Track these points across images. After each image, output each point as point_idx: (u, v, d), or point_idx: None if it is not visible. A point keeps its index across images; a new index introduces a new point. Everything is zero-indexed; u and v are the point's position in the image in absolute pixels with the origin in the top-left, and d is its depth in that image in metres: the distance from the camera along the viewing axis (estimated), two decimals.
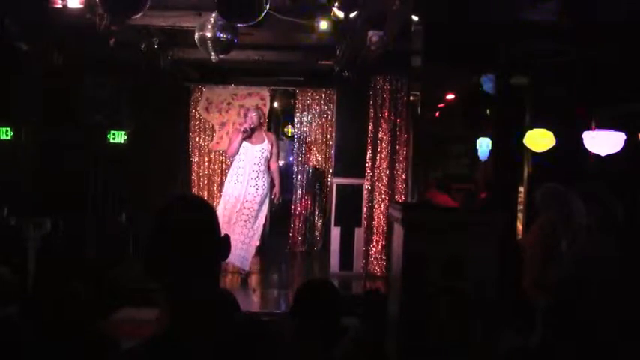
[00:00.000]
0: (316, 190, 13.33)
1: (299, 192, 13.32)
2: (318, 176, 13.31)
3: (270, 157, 10.06)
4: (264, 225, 10.53)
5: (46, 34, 9.16)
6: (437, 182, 11.65)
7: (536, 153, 10.39)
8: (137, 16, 7.08)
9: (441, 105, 12.39)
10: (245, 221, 9.84)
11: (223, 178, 12.84)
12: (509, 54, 9.11)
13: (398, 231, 4.81)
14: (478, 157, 12.63)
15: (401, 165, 11.19)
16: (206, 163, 13.09)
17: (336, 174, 12.09)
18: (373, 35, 8.34)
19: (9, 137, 10.23)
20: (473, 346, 4.40)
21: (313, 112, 13.25)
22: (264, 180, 9.91)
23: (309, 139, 13.31)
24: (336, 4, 7.10)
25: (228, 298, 2.20)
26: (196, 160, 13.08)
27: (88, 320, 3.80)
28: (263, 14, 6.84)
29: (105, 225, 11.17)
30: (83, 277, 4.53)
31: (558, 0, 6.90)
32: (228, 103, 12.88)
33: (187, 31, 8.82)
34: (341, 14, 7.39)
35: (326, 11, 7.79)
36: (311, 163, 13.32)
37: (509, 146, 10.55)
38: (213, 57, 8.47)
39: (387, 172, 11.19)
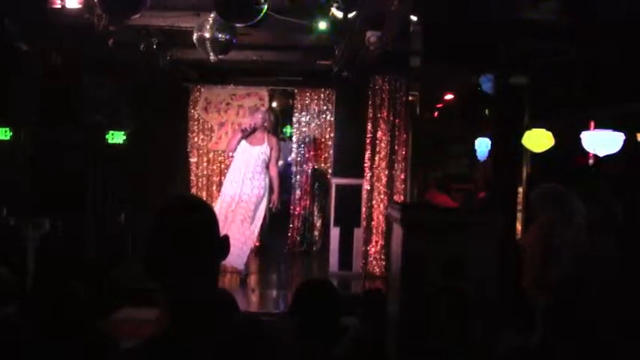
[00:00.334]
0: (315, 191, 13.32)
1: (298, 192, 13.31)
2: (317, 176, 13.30)
3: (270, 160, 10.01)
4: (263, 225, 10.49)
5: (44, 34, 9.16)
6: (436, 182, 11.66)
7: (535, 153, 10.40)
8: (136, 16, 7.09)
9: (440, 105, 12.39)
10: (241, 221, 9.81)
11: (222, 178, 12.83)
12: (509, 54, 9.11)
13: (397, 231, 4.80)
14: (477, 157, 12.64)
15: (400, 165, 11.19)
16: (205, 163, 13.08)
17: (335, 174, 12.09)
18: (372, 35, 8.34)
19: (8, 137, 10.22)
20: (473, 346, 4.40)
21: (312, 112, 13.23)
22: (261, 180, 9.87)
23: (307, 140, 13.30)
24: (335, 4, 7.10)
25: (227, 298, 2.20)
26: (195, 160, 13.06)
27: (88, 320, 3.80)
28: (262, 14, 6.83)
29: (104, 225, 11.17)
30: (82, 277, 4.52)
31: (558, 0, 6.90)
32: (227, 104, 12.88)
33: (186, 32, 8.81)
34: (340, 14, 7.39)
35: (325, 11, 7.79)
36: (310, 163, 13.31)
37: (508, 146, 10.55)
38: (211, 57, 8.47)
39: (386, 172, 11.18)
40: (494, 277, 4.49)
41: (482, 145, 12.18)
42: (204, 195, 12.62)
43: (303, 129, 13.31)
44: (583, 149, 9.23)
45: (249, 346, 2.11)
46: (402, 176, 11.16)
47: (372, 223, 11.19)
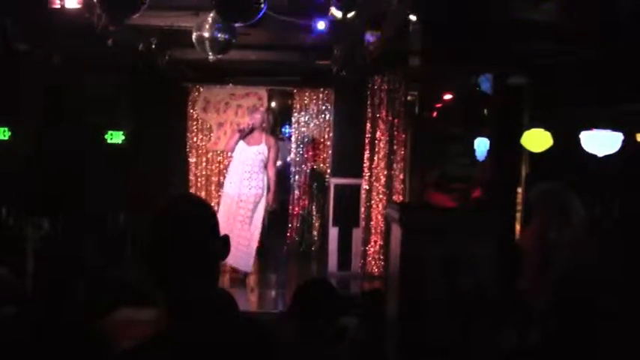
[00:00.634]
0: (314, 191, 13.33)
1: (297, 192, 13.31)
2: (315, 176, 13.30)
3: (268, 161, 10.00)
4: (263, 226, 10.49)
5: (44, 34, 9.16)
6: (435, 182, 11.65)
7: (534, 153, 10.40)
8: (135, 16, 7.08)
9: (439, 105, 12.40)
10: (241, 222, 9.82)
11: (221, 178, 12.85)
12: (508, 54, 9.11)
13: (396, 231, 4.81)
14: (476, 156, 12.64)
15: (399, 165, 11.18)
16: (204, 163, 13.08)
17: (333, 174, 12.10)
18: (371, 35, 8.34)
19: (7, 137, 10.22)
20: (472, 346, 4.41)
21: (311, 112, 13.24)
22: (259, 180, 9.84)
23: (306, 139, 13.31)
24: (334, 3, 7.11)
25: (227, 298, 2.20)
26: (194, 160, 13.07)
27: (86, 320, 3.80)
28: (261, 14, 6.84)
29: (103, 225, 11.17)
30: (81, 277, 4.52)
31: (557, 0, 6.90)
32: (226, 103, 12.88)
33: (185, 31, 8.81)
34: (339, 14, 7.39)
35: (324, 11, 7.79)
36: (309, 163, 13.31)
37: (507, 146, 10.55)
38: (210, 57, 8.46)
39: (385, 172, 11.17)
40: (493, 277, 4.50)
41: (482, 145, 12.19)
42: (203, 195, 12.61)
43: (302, 129, 13.31)
44: (582, 149, 9.23)
45: (248, 346, 2.12)
46: (401, 176, 11.16)
47: (371, 223, 11.19)
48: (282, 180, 12.23)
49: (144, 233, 2.14)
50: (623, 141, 8.99)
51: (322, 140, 13.27)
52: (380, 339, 4.68)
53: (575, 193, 6.73)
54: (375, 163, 11.17)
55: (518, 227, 10.51)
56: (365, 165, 11.17)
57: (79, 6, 7.47)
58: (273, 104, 14.62)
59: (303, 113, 13.26)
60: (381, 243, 11.06)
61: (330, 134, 12.98)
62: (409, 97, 11.16)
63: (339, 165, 12.18)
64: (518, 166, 11.15)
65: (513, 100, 10.73)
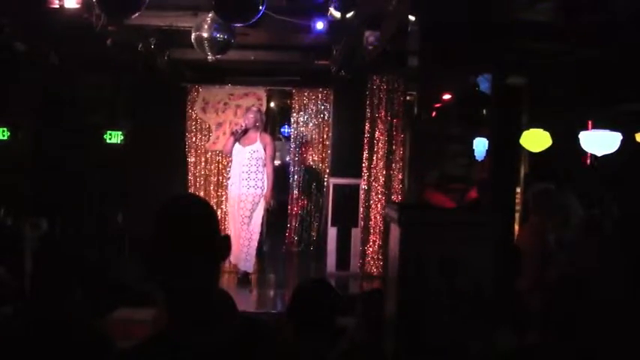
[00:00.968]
0: (313, 190, 13.32)
1: (295, 192, 13.31)
2: (314, 176, 13.30)
3: (265, 158, 10.00)
4: (262, 225, 10.49)
5: (43, 34, 9.16)
6: (434, 182, 11.64)
7: (533, 153, 10.40)
8: (134, 16, 7.08)
9: (438, 105, 12.37)
10: (241, 222, 9.83)
11: (220, 178, 12.88)
12: (507, 54, 9.11)
13: (394, 231, 4.80)
14: (475, 156, 12.63)
15: (397, 165, 11.20)
16: (203, 163, 13.07)
17: (332, 174, 12.10)
18: (370, 35, 8.34)
19: (6, 137, 10.23)
20: (470, 346, 4.40)
21: (310, 112, 13.23)
22: (257, 180, 9.83)
23: (305, 139, 13.31)
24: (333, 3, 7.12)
25: (226, 298, 2.20)
26: (193, 160, 13.05)
27: (86, 320, 3.80)
28: (260, 14, 6.84)
29: (101, 225, 11.17)
30: (80, 277, 4.52)
31: (556, 0, 6.91)
32: (225, 104, 12.86)
33: (184, 31, 8.81)
34: (338, 14, 7.40)
35: (322, 11, 7.80)
36: (307, 163, 13.31)
37: (505, 146, 10.55)
38: (209, 57, 8.47)
39: (384, 172, 11.19)
40: (491, 277, 4.49)
41: (480, 145, 12.18)
42: (201, 194, 12.60)
43: (301, 129, 13.31)
44: (581, 149, 9.24)
45: (248, 346, 2.12)
46: (400, 176, 11.18)
47: (370, 223, 11.20)
48: (281, 180, 12.24)
49: (144, 233, 2.14)
50: (622, 141, 8.99)
51: (321, 140, 13.27)
52: (379, 339, 4.68)
53: (573, 193, 6.75)
54: (374, 163, 11.18)
55: (517, 227, 10.52)
56: (364, 165, 11.18)
57: (77, 6, 7.48)
58: (272, 104, 14.61)
59: (302, 113, 13.26)
60: (380, 243, 11.07)
61: (329, 134, 12.98)
62: (408, 97, 11.16)
63: (337, 165, 12.19)
64: (517, 166, 11.16)
65: (512, 100, 10.73)
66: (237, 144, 9.87)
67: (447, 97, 12.27)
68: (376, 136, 11.20)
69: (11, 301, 5.02)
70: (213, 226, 2.18)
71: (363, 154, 11.19)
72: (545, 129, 10.02)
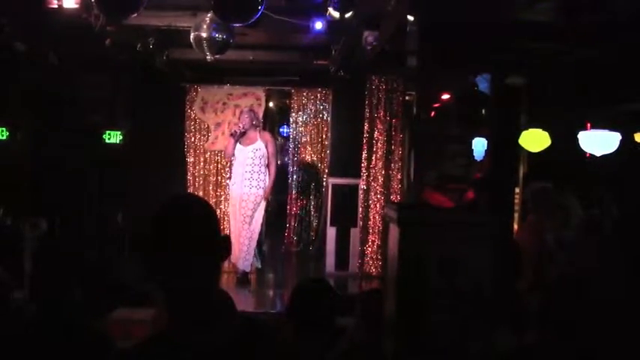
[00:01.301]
0: (312, 190, 13.32)
1: (294, 192, 13.31)
2: (313, 176, 13.30)
3: (268, 156, 10.05)
4: (262, 225, 10.50)
5: (42, 34, 9.15)
6: (433, 182, 11.66)
7: (532, 153, 10.41)
8: (133, 16, 7.08)
9: (437, 105, 12.40)
10: (242, 222, 9.86)
11: (219, 178, 12.88)
12: (506, 54, 9.12)
13: (394, 231, 4.80)
14: (474, 157, 12.64)
15: (396, 165, 11.20)
16: (202, 163, 13.06)
17: (331, 174, 12.10)
18: (369, 35, 8.34)
19: (5, 137, 10.22)
20: (469, 346, 4.41)
21: (309, 112, 13.23)
22: (259, 180, 9.87)
23: (304, 139, 13.30)
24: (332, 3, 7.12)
25: (225, 298, 2.20)
26: (192, 160, 13.05)
27: (85, 320, 3.80)
28: (258, 14, 6.84)
29: (101, 225, 11.16)
30: (79, 277, 4.51)
31: (555, 0, 6.91)
32: (224, 103, 12.86)
33: (183, 31, 8.82)
34: (336, 14, 7.40)
35: (321, 11, 7.80)
36: (306, 163, 13.31)
37: (504, 146, 10.56)
38: (208, 57, 8.47)
39: (383, 172, 11.20)
40: (491, 277, 4.49)
41: (479, 145, 12.19)
42: (200, 194, 12.59)
43: (300, 129, 13.31)
44: (579, 149, 9.24)
45: (248, 346, 2.12)
46: (399, 176, 11.18)
47: (369, 223, 11.20)
48: (280, 180, 12.24)
49: (144, 233, 2.14)
50: (621, 141, 8.99)
51: (320, 140, 13.26)
52: (378, 339, 4.68)
53: (572, 193, 6.75)
54: (373, 162, 11.19)
55: (516, 227, 10.53)
56: (363, 165, 11.19)
57: (76, 6, 7.48)
58: (271, 104, 14.61)
59: (300, 113, 13.26)
60: (379, 243, 11.08)
61: (328, 134, 12.98)
62: (407, 97, 11.16)
63: (336, 165, 12.19)
64: (516, 166, 11.16)
65: (511, 100, 10.74)
66: (238, 144, 9.89)
67: (446, 97, 12.31)
68: (375, 136, 11.21)
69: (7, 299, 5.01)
70: (214, 226, 2.18)
71: (362, 154, 11.19)
72: (544, 129, 10.03)
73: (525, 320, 5.03)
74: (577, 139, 9.17)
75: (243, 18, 7.01)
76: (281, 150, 15.83)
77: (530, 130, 10.21)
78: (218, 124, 12.89)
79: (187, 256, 2.07)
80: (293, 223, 13.31)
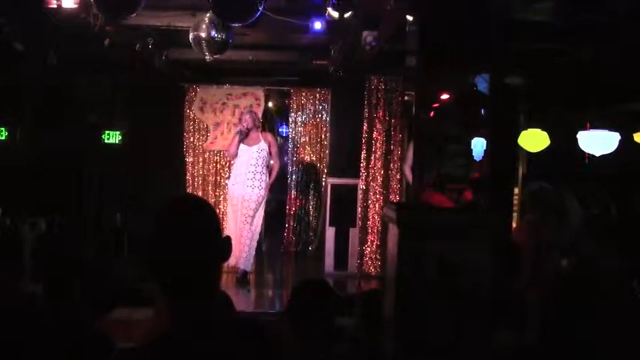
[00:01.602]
0: (311, 190, 13.32)
1: (293, 192, 13.31)
2: (312, 176, 13.30)
3: (271, 156, 10.10)
4: (262, 226, 10.52)
5: (41, 34, 9.15)
6: (432, 182, 11.64)
7: (531, 153, 10.41)
8: (132, 16, 7.08)
9: (437, 105, 12.37)
10: (243, 222, 9.87)
11: (218, 178, 12.88)
12: (505, 54, 9.11)
13: (393, 231, 4.80)
14: (473, 156, 12.60)
15: (395, 165, 11.21)
16: (200, 163, 13.07)
17: (330, 174, 12.10)
18: (368, 35, 8.34)
19: (4, 137, 10.22)
20: (469, 346, 4.41)
21: (308, 112, 13.23)
22: (261, 181, 9.90)
23: (303, 139, 13.30)
24: (331, 3, 7.12)
25: (224, 299, 2.20)
26: (191, 160, 13.05)
27: (85, 320, 3.80)
28: (258, 14, 6.84)
29: (99, 225, 11.16)
30: (78, 277, 4.51)
31: (554, 0, 6.91)
32: (223, 103, 12.86)
33: (182, 31, 8.81)
34: (336, 14, 7.40)
35: (321, 11, 7.79)
36: (305, 163, 13.31)
37: (504, 146, 10.55)
38: (207, 57, 8.47)
39: (382, 172, 11.20)
40: (490, 277, 4.49)
41: (479, 145, 12.17)
42: (199, 195, 12.59)
43: (299, 129, 13.31)
44: (579, 149, 9.24)
45: (248, 346, 2.12)
46: (398, 176, 11.19)
47: (368, 223, 11.21)
48: (279, 180, 12.24)
49: (145, 233, 2.13)
50: (621, 141, 8.99)
51: (319, 140, 13.26)
52: (377, 339, 4.68)
53: (571, 193, 6.74)
54: (372, 162, 11.19)
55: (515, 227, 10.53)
56: (362, 165, 11.19)
57: (75, 6, 7.47)
58: (270, 104, 14.60)
59: (300, 113, 13.26)
60: (378, 243, 11.08)
61: (327, 134, 12.98)
62: (406, 97, 11.17)
63: (336, 165, 12.19)
64: (515, 166, 11.16)
65: (510, 100, 10.73)
66: (242, 144, 9.91)
67: (445, 97, 12.29)
68: (374, 136, 11.21)
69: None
70: (214, 227, 2.18)
71: (361, 154, 11.20)
72: (543, 129, 10.02)
73: (524, 320, 5.03)
74: (576, 139, 9.17)
75: (242, 18, 7.01)
76: (280, 150, 15.82)
77: (530, 130, 10.21)
78: (217, 124, 12.89)
79: (188, 256, 2.07)
80: (292, 223, 13.32)
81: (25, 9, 8.30)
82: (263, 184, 9.91)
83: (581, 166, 10.04)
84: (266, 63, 11.89)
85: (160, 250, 2.07)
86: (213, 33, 8.15)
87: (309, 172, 13.29)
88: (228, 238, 2.20)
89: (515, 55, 9.07)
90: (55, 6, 7.50)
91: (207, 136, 12.95)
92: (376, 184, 11.19)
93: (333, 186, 11.29)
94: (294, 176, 13.32)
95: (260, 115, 11.82)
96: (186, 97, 12.98)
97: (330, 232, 11.13)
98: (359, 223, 11.11)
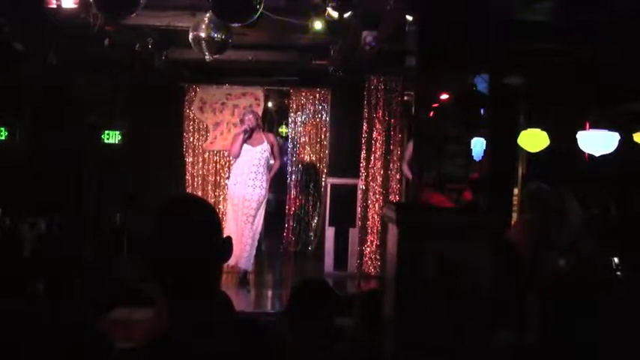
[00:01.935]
0: (310, 190, 13.32)
1: (293, 192, 13.31)
2: (312, 176, 13.30)
3: (273, 156, 10.14)
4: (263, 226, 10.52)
5: (40, 34, 9.14)
6: (432, 182, 11.64)
7: (531, 153, 10.40)
8: (132, 16, 7.08)
9: (436, 105, 12.36)
10: (245, 222, 9.87)
11: (217, 178, 12.88)
12: (505, 54, 9.11)
13: (392, 231, 4.80)
14: (473, 157, 12.60)
15: (395, 165, 11.21)
16: (200, 163, 13.07)
17: (330, 174, 12.11)
18: (367, 35, 8.34)
19: (3, 137, 10.21)
20: (468, 346, 4.41)
21: (307, 112, 13.24)
22: (263, 181, 9.91)
23: (303, 139, 13.30)
24: (331, 3, 7.11)
25: (224, 299, 2.20)
26: (190, 160, 13.06)
27: (85, 320, 3.80)
28: (257, 14, 6.84)
29: (99, 225, 11.16)
30: (78, 277, 4.52)
31: (554, 0, 6.91)
32: (223, 103, 12.86)
33: (182, 31, 8.81)
34: (335, 14, 7.40)
35: (320, 11, 7.80)
36: (305, 163, 13.31)
37: (503, 146, 10.55)
38: (207, 57, 8.47)
39: (382, 172, 11.21)
40: (490, 277, 4.50)
41: (478, 145, 12.17)
42: (199, 195, 12.59)
43: (299, 129, 13.31)
44: (578, 149, 9.23)
45: (248, 347, 2.11)
46: (398, 176, 11.20)
47: (368, 223, 11.21)
48: (279, 180, 12.25)
49: (145, 233, 2.13)
50: (620, 141, 8.99)
51: (319, 140, 13.27)
52: (377, 339, 4.68)
53: (571, 193, 6.74)
54: (372, 162, 11.20)
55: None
56: (361, 165, 11.20)
57: (75, 6, 7.47)
58: (269, 104, 14.61)
59: (299, 113, 13.27)
60: (378, 243, 11.08)
61: (327, 134, 12.98)
62: (406, 97, 11.18)
63: (335, 165, 12.19)
64: (515, 166, 11.16)
65: (510, 100, 10.73)
66: (245, 144, 9.91)
67: (444, 97, 12.28)
68: (374, 136, 11.22)
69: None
70: (215, 227, 2.18)
71: (360, 154, 11.20)
72: (542, 129, 10.02)
73: (524, 320, 5.03)
74: (576, 139, 9.16)
75: (242, 18, 7.01)
76: (280, 150, 15.82)
77: (529, 130, 10.20)
78: (217, 124, 12.90)
79: (189, 256, 2.07)
80: (292, 223, 13.32)
81: (25, 9, 8.30)
82: (264, 184, 9.93)
83: (581, 166, 10.04)
84: (266, 63, 11.89)
85: (160, 250, 2.07)
86: (212, 33, 8.15)
87: (309, 172, 13.29)
88: (229, 239, 2.20)
89: (515, 55, 9.08)
90: (55, 6, 7.50)
91: (207, 136, 12.96)
92: (376, 184, 11.19)
93: (333, 186, 11.30)
94: (293, 176, 13.32)
95: (260, 115, 11.83)
96: (186, 97, 12.99)
97: (329, 232, 11.14)
98: (359, 223, 11.12)
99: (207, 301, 2.11)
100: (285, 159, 13.73)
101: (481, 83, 10.54)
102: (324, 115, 13.12)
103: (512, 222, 10.46)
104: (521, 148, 10.53)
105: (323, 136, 13.18)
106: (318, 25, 8.25)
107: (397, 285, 4.52)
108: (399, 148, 11.21)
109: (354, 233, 11.10)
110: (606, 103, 9.56)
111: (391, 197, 11.10)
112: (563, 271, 6.26)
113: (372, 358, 4.54)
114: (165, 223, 2.10)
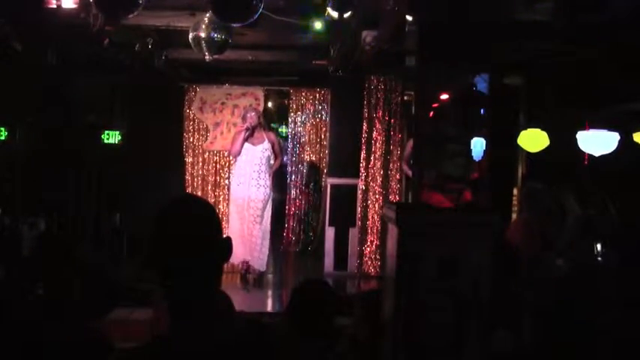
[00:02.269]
0: (310, 190, 13.33)
1: (293, 192, 13.32)
2: (312, 176, 13.31)
3: (274, 155, 10.13)
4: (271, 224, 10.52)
5: (40, 34, 9.14)
6: (432, 182, 11.64)
7: (531, 153, 10.40)
8: (131, 16, 7.08)
9: (436, 105, 12.36)
10: (252, 222, 9.87)
11: (217, 178, 12.87)
12: (505, 54, 9.11)
13: (392, 231, 4.81)
14: (473, 157, 12.60)
15: (395, 165, 11.22)
16: (200, 163, 13.07)
17: (330, 174, 12.10)
18: (367, 35, 8.35)
19: (3, 137, 10.20)
20: (467, 346, 4.41)
21: (307, 112, 13.25)
22: (266, 179, 9.91)
23: (303, 139, 13.31)
24: (331, 3, 7.11)
25: (224, 299, 2.20)
26: (190, 160, 13.06)
27: (84, 321, 3.80)
28: (257, 14, 6.84)
29: (99, 225, 11.15)
30: (78, 277, 4.51)
31: (554, 0, 6.91)
32: (222, 103, 12.86)
33: (182, 31, 8.81)
34: (335, 14, 7.40)
35: (320, 11, 7.79)
36: (305, 163, 13.31)
37: (503, 146, 10.55)
38: (207, 57, 8.47)
39: (381, 172, 11.22)
40: (489, 278, 4.50)
41: (478, 145, 12.16)
42: (199, 195, 12.58)
43: (299, 129, 13.32)
44: (578, 149, 9.23)
45: (249, 347, 2.11)
46: (398, 176, 11.21)
47: (367, 222, 11.22)
48: (279, 180, 12.24)
49: (145, 233, 2.13)
50: (620, 141, 8.98)
51: (319, 140, 13.28)
52: (377, 339, 4.68)
53: (571, 193, 6.74)
54: (372, 162, 11.21)
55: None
56: (361, 165, 11.20)
57: (75, 6, 7.47)
58: (269, 104, 14.62)
59: (299, 113, 13.28)
60: (378, 243, 11.09)
61: (327, 134, 12.98)
62: (405, 97, 11.18)
63: (335, 165, 12.18)
64: (514, 166, 11.16)
65: (510, 100, 10.73)
66: (246, 143, 9.90)
67: (444, 97, 12.28)
68: (374, 136, 11.23)
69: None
70: (215, 227, 2.18)
71: (360, 154, 11.21)
72: (542, 129, 10.02)
73: (522, 320, 5.03)
74: (576, 139, 9.16)
75: (241, 18, 7.00)
76: (280, 149, 15.84)
77: (529, 130, 10.19)
78: (217, 124, 12.90)
79: (188, 257, 2.07)
80: (292, 223, 13.32)
81: (24, 9, 8.29)
82: (268, 183, 9.93)
83: (580, 166, 10.03)
84: (265, 63, 11.89)
85: (160, 250, 2.07)
86: (212, 33, 8.15)
87: (309, 172, 13.30)
88: (229, 239, 2.20)
89: (515, 55, 9.08)
90: (55, 6, 7.49)
91: (207, 136, 12.96)
92: (376, 184, 11.20)
93: (333, 186, 11.30)
94: (293, 176, 13.34)
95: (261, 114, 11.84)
96: (186, 97, 12.99)
97: (329, 232, 11.14)
98: (358, 223, 11.12)
99: (208, 302, 2.11)
100: (285, 159, 13.74)
101: (481, 83, 10.54)
102: (324, 115, 13.13)
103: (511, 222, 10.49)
104: (521, 148, 10.52)
105: (323, 136, 13.19)
106: (318, 25, 8.25)
107: (397, 285, 4.52)
108: (399, 148, 11.22)
109: (354, 233, 11.10)
110: (606, 103, 9.56)
111: (391, 197, 11.11)
112: (564, 271, 6.26)
113: (372, 358, 4.54)
114: (165, 223, 2.10)
